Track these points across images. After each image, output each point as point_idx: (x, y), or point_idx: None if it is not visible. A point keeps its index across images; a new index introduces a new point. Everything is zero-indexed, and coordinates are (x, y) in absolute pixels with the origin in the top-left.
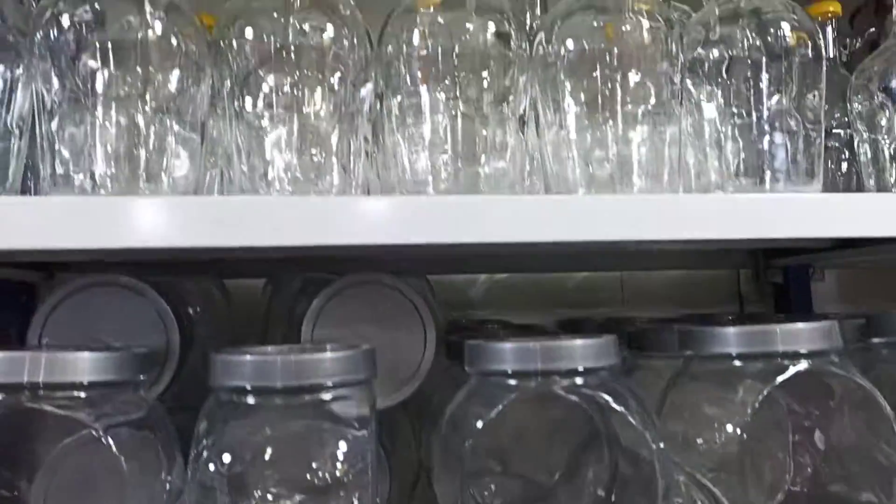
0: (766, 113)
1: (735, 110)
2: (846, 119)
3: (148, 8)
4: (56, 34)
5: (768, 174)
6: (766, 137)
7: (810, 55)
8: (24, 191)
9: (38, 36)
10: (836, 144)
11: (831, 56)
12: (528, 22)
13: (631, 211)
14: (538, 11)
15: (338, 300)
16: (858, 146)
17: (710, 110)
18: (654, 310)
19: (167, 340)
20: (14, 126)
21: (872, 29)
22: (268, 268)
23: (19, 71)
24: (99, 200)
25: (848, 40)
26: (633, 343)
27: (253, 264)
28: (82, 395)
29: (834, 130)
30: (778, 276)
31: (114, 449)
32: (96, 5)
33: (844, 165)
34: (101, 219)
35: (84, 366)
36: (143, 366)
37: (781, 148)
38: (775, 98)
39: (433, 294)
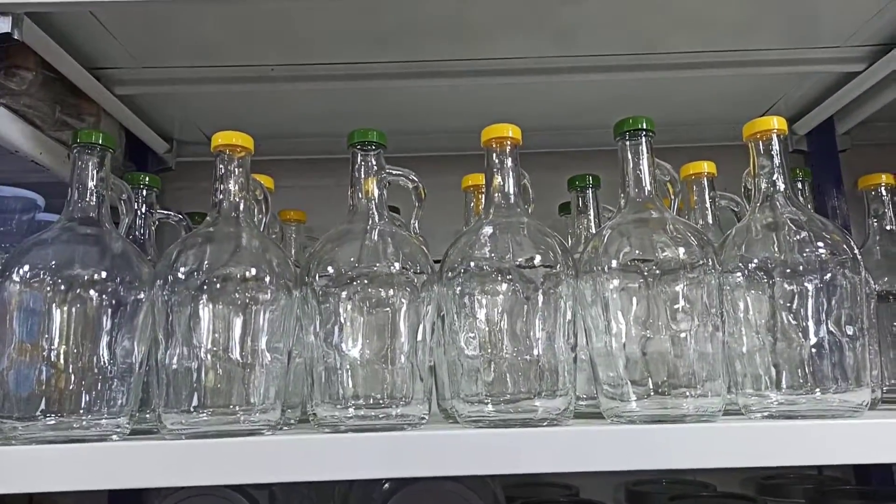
0: (807, 324)
1: (778, 317)
2: None
3: (245, 251)
4: (172, 279)
5: (814, 383)
6: (808, 347)
7: (847, 269)
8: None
9: (158, 282)
10: None
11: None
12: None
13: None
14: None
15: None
16: None
17: (752, 316)
18: (725, 471)
19: None
20: (135, 359)
21: None
22: None
23: (140, 313)
24: (200, 444)
25: None
26: None
27: None
28: None
29: None
30: None
31: None
32: (204, 260)
33: None
34: (205, 459)
35: None
36: None
37: (825, 357)
38: (817, 307)
39: (494, 485)
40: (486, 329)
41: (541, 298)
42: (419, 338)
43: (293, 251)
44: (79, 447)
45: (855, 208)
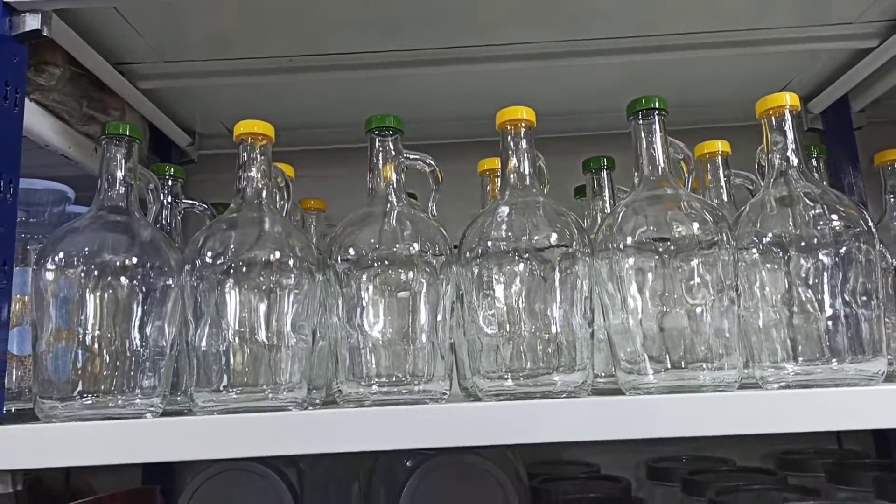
0: (824, 293)
1: (794, 290)
2: None
3: (268, 235)
4: (200, 264)
5: (830, 353)
6: (826, 315)
7: (862, 241)
8: (174, 385)
9: (187, 267)
10: None
11: None
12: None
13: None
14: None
15: (430, 480)
16: None
17: (767, 290)
18: (749, 442)
19: None
20: (166, 342)
21: None
22: None
23: (170, 298)
24: (229, 419)
25: None
26: None
27: None
28: None
29: None
30: None
31: None
32: (231, 245)
33: None
34: (234, 433)
35: None
36: None
37: (842, 325)
38: (833, 279)
39: (517, 460)
40: (505, 307)
41: (557, 276)
42: (439, 317)
43: (314, 239)
44: (115, 423)
45: (871, 186)
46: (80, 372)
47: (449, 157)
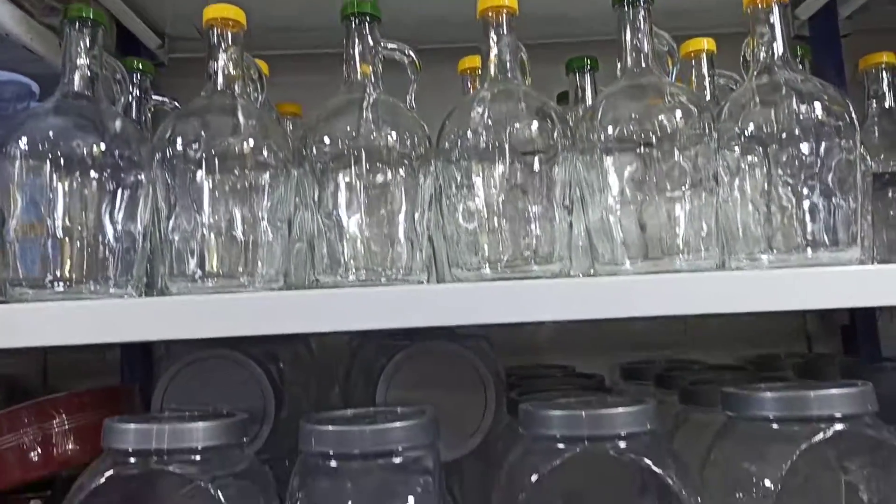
0: (803, 184)
1: (773, 182)
2: None
3: (242, 123)
4: (171, 153)
5: (806, 243)
6: (804, 208)
7: (843, 128)
8: (149, 284)
9: (157, 156)
10: None
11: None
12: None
13: (673, 288)
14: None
15: (409, 365)
16: None
17: (747, 184)
18: (720, 350)
19: (264, 405)
20: (138, 233)
21: None
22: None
23: (141, 187)
24: (205, 299)
25: None
26: (683, 398)
27: None
28: (197, 457)
29: None
30: (845, 318)
31: (221, 499)
32: (202, 131)
33: None
34: (210, 313)
35: (199, 434)
36: (245, 429)
37: (819, 217)
38: (812, 169)
39: (494, 353)
40: (483, 199)
41: (538, 167)
42: (417, 209)
43: (290, 142)
44: (88, 303)
45: (856, 96)
46: (50, 262)
47: (428, 63)
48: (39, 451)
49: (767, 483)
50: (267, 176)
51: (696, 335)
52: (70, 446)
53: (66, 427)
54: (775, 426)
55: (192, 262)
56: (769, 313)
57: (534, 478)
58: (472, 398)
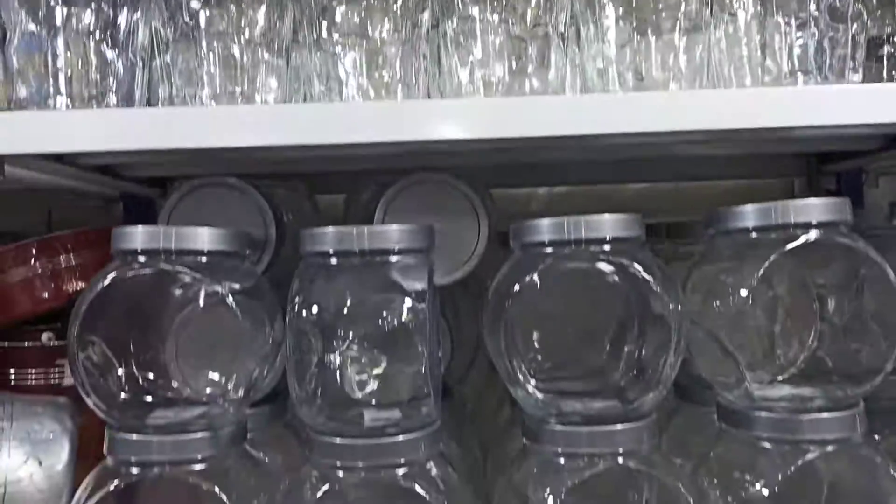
0: (802, 14)
1: (770, 14)
2: None
3: None
4: None
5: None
6: (804, 37)
7: None
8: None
9: None
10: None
11: None
12: None
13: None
14: None
15: (406, 194)
16: None
17: (744, 15)
18: None
19: (266, 232)
20: (138, 59)
21: None
22: (349, 183)
23: (138, 13)
24: (206, 110)
25: None
26: (670, 234)
27: (336, 178)
28: (203, 259)
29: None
30: (832, 184)
31: (232, 305)
32: None
33: None
34: (210, 123)
35: (204, 238)
36: (248, 243)
37: (819, 46)
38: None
39: (490, 195)
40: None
41: None
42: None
43: None
44: (95, 111)
45: None
46: (52, 78)
47: None
48: (48, 284)
49: (742, 291)
50: (263, 4)
51: (686, 203)
52: (77, 281)
53: (73, 263)
54: (755, 235)
55: (190, 91)
56: (753, 178)
57: (523, 280)
58: (465, 226)
